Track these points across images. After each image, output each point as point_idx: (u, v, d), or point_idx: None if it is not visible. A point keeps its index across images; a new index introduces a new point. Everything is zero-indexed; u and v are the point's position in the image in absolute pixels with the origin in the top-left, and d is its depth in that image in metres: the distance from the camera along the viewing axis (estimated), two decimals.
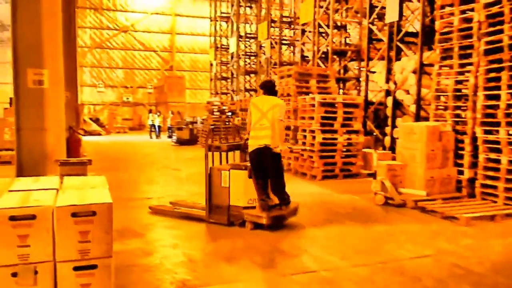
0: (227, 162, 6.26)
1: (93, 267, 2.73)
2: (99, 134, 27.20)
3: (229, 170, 5.74)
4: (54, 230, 2.65)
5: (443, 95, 8.32)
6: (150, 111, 28.37)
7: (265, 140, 5.51)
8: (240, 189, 5.66)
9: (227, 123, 19.14)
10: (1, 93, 33.74)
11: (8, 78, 32.93)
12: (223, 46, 28.43)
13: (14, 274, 2.58)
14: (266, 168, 5.54)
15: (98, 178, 3.73)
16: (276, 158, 5.58)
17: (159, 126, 24.85)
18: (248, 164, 5.70)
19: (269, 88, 5.99)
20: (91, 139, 21.97)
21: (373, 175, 7.71)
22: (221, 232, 5.49)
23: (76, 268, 2.70)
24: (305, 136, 10.10)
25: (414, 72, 10.42)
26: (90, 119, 29.67)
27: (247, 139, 5.81)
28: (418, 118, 10.08)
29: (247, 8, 24.02)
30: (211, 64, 29.94)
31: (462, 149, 7.65)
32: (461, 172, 7.57)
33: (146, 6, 35.35)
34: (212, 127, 8.17)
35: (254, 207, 5.61)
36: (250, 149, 5.66)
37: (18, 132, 4.98)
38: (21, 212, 2.59)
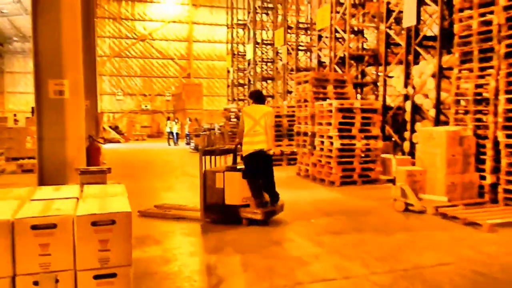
0: (215, 165, 6.69)
1: (113, 275, 2.75)
2: (118, 142, 27.55)
3: (223, 172, 6.19)
4: (74, 239, 2.68)
5: (463, 99, 8.19)
6: (168, 119, 28.65)
7: (260, 145, 6.15)
8: (235, 189, 6.11)
9: None
10: (24, 102, 34.56)
11: (30, 88, 33.85)
12: (240, 53, 28.57)
13: (36, 283, 2.62)
14: (260, 169, 6.15)
15: (117, 186, 3.77)
16: (269, 159, 6.30)
17: (177, 133, 25.05)
18: (240, 166, 6.27)
19: (258, 98, 6.54)
20: (110, 147, 22.24)
21: (393, 181, 7.62)
22: (236, 239, 5.49)
23: (96, 277, 2.72)
24: (322, 142, 10.05)
25: (433, 76, 10.29)
26: (110, 127, 30.09)
27: (239, 144, 6.42)
28: (437, 122, 9.95)
29: (264, 15, 24.12)
30: (228, 71, 30.10)
31: (484, 153, 7.50)
32: (483, 177, 7.42)
33: (163, 15, 35.80)
34: (206, 133, 8.62)
35: (248, 205, 6.08)
36: (245, 153, 6.19)
37: (39, 141, 5.08)
38: (42, 221, 2.63)
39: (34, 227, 2.60)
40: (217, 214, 6.20)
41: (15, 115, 28.05)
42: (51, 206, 2.86)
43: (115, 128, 30.47)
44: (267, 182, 6.29)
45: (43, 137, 4.99)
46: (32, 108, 23.61)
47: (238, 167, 6.31)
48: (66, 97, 5.03)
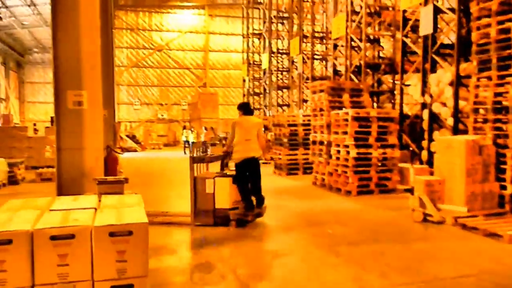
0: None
1: (130, 286, 2.76)
2: (135, 151, 27.80)
3: (214, 178, 6.66)
4: (92, 249, 2.70)
5: (482, 108, 8.07)
6: (184, 128, 28.82)
7: (253, 152, 6.73)
8: (225, 194, 6.59)
9: None
10: (43, 112, 35.20)
11: (49, 97, 34.42)
12: (255, 62, 28.68)
13: None
14: (250, 174, 6.69)
15: (134, 197, 3.80)
16: (258, 165, 6.83)
17: (193, 142, 25.17)
18: (229, 172, 6.86)
19: (247, 109, 7.09)
20: (127, 156, 22.46)
21: (411, 191, 7.51)
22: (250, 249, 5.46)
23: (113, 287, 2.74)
24: (338, 151, 9.99)
25: (450, 84, 10.16)
26: (127, 136, 30.41)
27: (227, 151, 7.05)
28: (456, 131, 9.80)
29: (279, 25, 24.19)
30: (244, 80, 30.22)
31: (504, 163, 7.34)
32: (503, 187, 7.27)
33: (180, 25, 36.22)
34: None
35: (237, 208, 6.61)
36: (238, 160, 6.70)
37: (58, 151, 5.15)
38: (61, 231, 2.66)
39: (53, 238, 2.63)
40: (207, 217, 6.57)
41: (34, 124, 28.53)
42: (69, 216, 2.90)
43: (132, 137, 30.78)
44: (255, 187, 6.81)
45: (62, 147, 5.07)
46: (51, 117, 24.01)
47: (228, 173, 6.86)
48: (85, 107, 5.11)
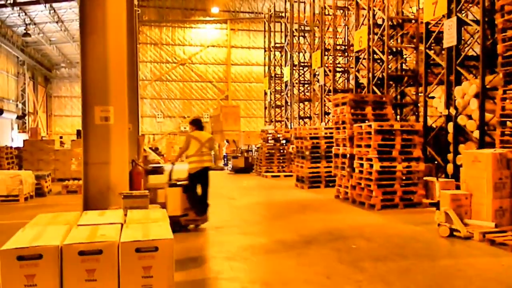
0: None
1: None
2: (158, 163, 28.09)
3: (166, 188, 7.33)
4: (119, 264, 2.74)
5: (509, 120, 7.91)
6: None
7: (207, 163, 7.66)
8: (177, 202, 7.25)
9: (281, 150, 19.23)
10: (69, 125, 36.01)
11: (75, 111, 35.18)
12: (277, 75, 28.79)
13: None
14: (202, 183, 7.54)
15: (158, 211, 3.85)
16: (208, 175, 7.67)
17: (214, 155, 25.32)
18: (178, 182, 7.52)
19: (200, 125, 8.03)
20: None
21: (436, 205, 7.37)
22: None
23: None
24: (362, 164, 9.90)
25: (476, 96, 10.00)
26: (150, 148, 30.79)
27: (174, 163, 7.91)
28: (482, 144, 9.61)
29: (301, 38, 24.26)
30: (265, 93, 30.33)
31: None
32: None
33: (203, 39, 36.70)
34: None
35: (187, 214, 7.37)
36: (193, 170, 7.51)
37: (85, 166, 5.25)
38: (89, 247, 2.71)
39: (81, 253, 2.68)
40: None
41: (61, 137, 29.15)
42: (97, 232, 2.95)
43: (155, 150, 31.14)
44: (204, 194, 7.63)
45: (89, 161, 5.16)
46: (77, 130, 24.51)
47: (178, 183, 7.51)
48: (111, 122, 5.20)
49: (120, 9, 5.44)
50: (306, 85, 24.63)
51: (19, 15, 24.79)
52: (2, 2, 22.26)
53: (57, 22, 26.83)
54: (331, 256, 5.83)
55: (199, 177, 7.57)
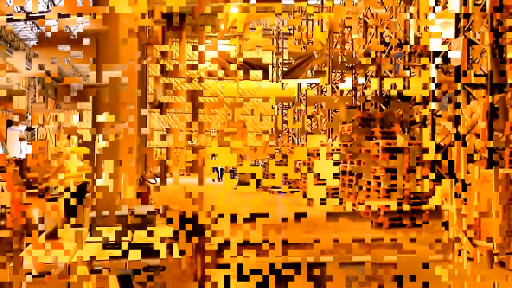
0: None
1: None
2: None
3: None
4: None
5: None
6: (213, 154, 29.12)
7: None
8: None
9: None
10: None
11: (84, 124, 35.26)
12: None
13: None
14: None
15: (166, 229, 3.86)
16: None
17: (221, 169, 25.32)
18: None
19: None
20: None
21: (445, 225, 7.31)
22: None
23: None
24: (369, 182, 9.87)
25: (484, 115, 9.96)
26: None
27: None
28: (491, 164, 9.53)
29: None
30: (273, 108, 30.43)
31: None
32: None
33: (212, 55, 37.02)
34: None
35: None
36: None
37: (93, 181, 5.28)
38: (97, 265, 2.72)
39: (91, 271, 2.69)
40: None
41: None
42: (105, 249, 2.96)
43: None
44: None
45: (98, 177, 5.20)
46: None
47: None
48: (121, 138, 5.25)
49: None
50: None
51: (31, 29, 25.24)
52: (17, 18, 22.70)
53: None
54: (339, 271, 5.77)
55: None
